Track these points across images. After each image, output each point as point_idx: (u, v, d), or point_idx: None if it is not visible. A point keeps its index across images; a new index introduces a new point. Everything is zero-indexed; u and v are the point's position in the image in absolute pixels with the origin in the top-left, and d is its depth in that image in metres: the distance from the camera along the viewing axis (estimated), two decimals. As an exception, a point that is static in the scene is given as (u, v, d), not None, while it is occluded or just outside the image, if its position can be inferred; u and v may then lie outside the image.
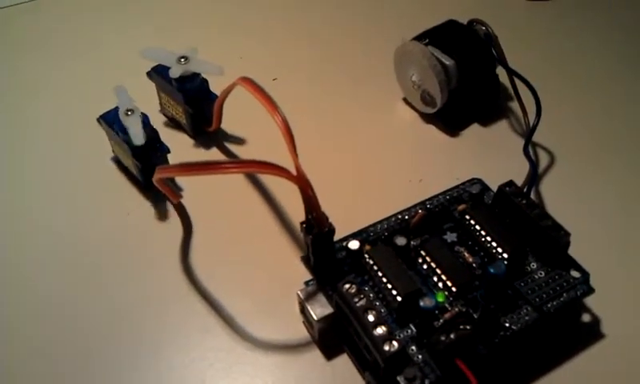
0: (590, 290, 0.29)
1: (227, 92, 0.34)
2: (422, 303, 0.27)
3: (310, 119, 0.40)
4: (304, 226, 0.29)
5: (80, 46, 0.48)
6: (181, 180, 0.37)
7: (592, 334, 0.30)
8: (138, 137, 0.34)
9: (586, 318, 0.30)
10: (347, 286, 0.27)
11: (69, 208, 0.36)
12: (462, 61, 0.38)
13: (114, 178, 0.37)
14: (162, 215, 0.35)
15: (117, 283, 0.32)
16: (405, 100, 0.41)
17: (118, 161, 0.38)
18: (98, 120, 0.36)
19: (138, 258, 0.33)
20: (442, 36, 0.39)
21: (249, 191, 0.36)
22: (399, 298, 0.28)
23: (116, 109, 0.35)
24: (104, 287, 0.32)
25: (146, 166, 0.35)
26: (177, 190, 0.36)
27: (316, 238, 0.29)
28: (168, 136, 0.38)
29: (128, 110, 0.34)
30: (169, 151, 0.36)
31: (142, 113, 0.35)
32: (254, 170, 0.30)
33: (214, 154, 0.39)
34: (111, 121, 0.35)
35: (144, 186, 0.36)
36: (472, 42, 0.39)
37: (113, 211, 0.36)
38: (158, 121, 0.40)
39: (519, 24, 0.48)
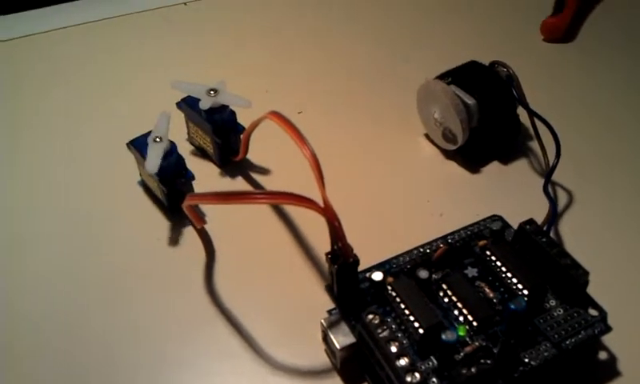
0: (608, 329, 0.29)
1: (256, 124, 0.35)
2: (443, 336, 0.27)
3: (333, 152, 0.41)
4: (329, 256, 0.30)
5: (114, 76, 0.49)
6: (204, 206, 0.38)
7: (609, 372, 0.30)
8: (153, 164, 0.35)
9: (602, 355, 0.30)
10: (371, 316, 0.28)
11: (94, 227, 0.37)
12: (484, 100, 0.38)
13: (141, 201, 0.38)
14: (187, 240, 0.36)
15: (141, 306, 0.33)
16: (426, 136, 0.42)
17: (144, 185, 0.39)
18: (127, 145, 0.37)
19: (162, 281, 0.34)
20: (465, 76, 0.40)
21: (271, 218, 0.37)
22: (421, 331, 0.28)
23: (146, 135, 0.36)
24: (127, 309, 0.33)
25: (171, 191, 0.36)
26: (201, 215, 0.36)
27: (341, 268, 0.29)
28: (194, 164, 0.39)
29: (157, 137, 0.35)
30: (194, 178, 0.37)
31: (170, 141, 0.36)
32: (283, 201, 0.31)
33: (240, 183, 0.39)
34: (140, 146, 0.36)
35: (169, 209, 0.37)
36: (493, 82, 0.40)
37: (139, 233, 0.37)
38: (185, 149, 0.41)
39: (539, 65, 0.49)
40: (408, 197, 0.39)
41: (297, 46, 0.52)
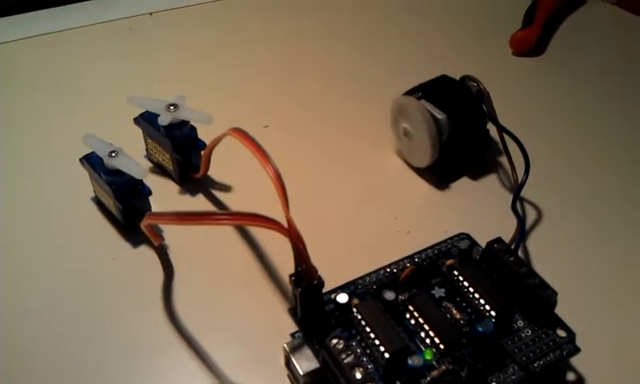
0: (576, 350, 0.29)
1: (217, 141, 0.34)
2: (410, 361, 0.27)
3: (300, 168, 0.40)
4: (293, 278, 0.29)
5: (71, 89, 0.48)
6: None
7: (578, 394, 0.29)
8: (138, 171, 0.34)
9: (571, 377, 0.30)
10: (335, 340, 0.27)
11: (46, 248, 0.36)
12: (454, 115, 0.38)
13: (95, 219, 0.37)
14: (144, 259, 0.35)
15: (94, 331, 0.32)
16: (398, 152, 0.42)
17: (98, 201, 0.38)
18: (80, 160, 0.36)
19: (117, 304, 0.33)
20: (435, 90, 0.39)
21: (233, 236, 0.36)
22: (387, 355, 0.27)
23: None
24: (79, 334, 0.32)
25: (127, 208, 0.35)
26: (159, 232, 0.35)
27: (305, 291, 0.28)
28: (153, 181, 0.38)
29: (112, 152, 0.34)
30: (150, 193, 0.36)
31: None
32: (246, 222, 0.30)
33: (201, 201, 0.38)
34: (93, 162, 0.35)
35: (124, 227, 0.36)
36: (464, 97, 0.39)
37: (92, 253, 0.35)
38: (144, 166, 0.40)
39: (509, 78, 0.49)
40: (376, 214, 0.38)
41: (264, 58, 0.51)
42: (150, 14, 0.57)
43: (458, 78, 0.40)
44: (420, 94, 0.39)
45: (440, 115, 0.38)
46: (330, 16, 0.56)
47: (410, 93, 0.39)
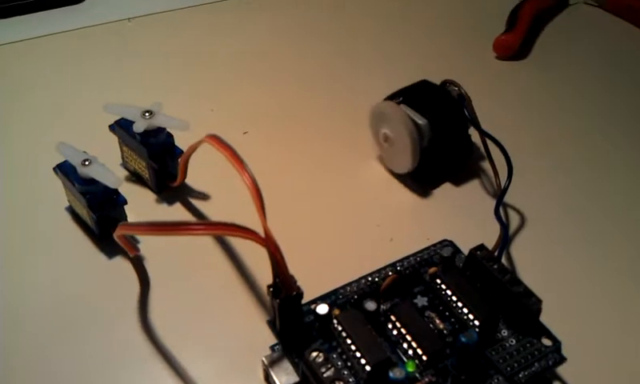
0: (562, 359, 0.28)
1: (193, 149, 0.33)
2: (391, 374, 0.26)
3: (279, 174, 0.40)
4: (271, 289, 0.28)
5: (46, 97, 0.47)
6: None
7: (564, 404, 0.29)
8: (112, 180, 0.33)
9: (557, 386, 0.29)
10: (315, 354, 0.26)
11: (19, 259, 0.35)
12: (435, 120, 0.37)
13: (69, 229, 0.36)
14: (119, 270, 0.34)
15: (68, 344, 0.31)
16: (379, 158, 0.41)
17: (72, 211, 0.37)
18: (54, 169, 0.35)
19: (92, 316, 0.32)
20: (415, 95, 0.39)
21: (210, 246, 0.35)
22: (368, 368, 0.27)
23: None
24: (52, 347, 0.31)
25: (101, 217, 0.34)
26: (134, 243, 0.34)
27: (283, 303, 0.28)
28: (129, 190, 0.37)
29: (85, 160, 0.33)
30: (126, 202, 0.35)
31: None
32: (222, 232, 0.29)
33: (178, 210, 0.37)
34: (67, 171, 0.34)
35: (99, 237, 0.35)
36: (445, 102, 0.39)
37: (66, 264, 0.34)
38: (119, 175, 0.38)
39: (492, 82, 0.48)
40: (357, 221, 0.37)
41: (245, 64, 0.50)
42: (129, 19, 0.56)
43: (439, 82, 0.40)
44: (400, 99, 0.38)
45: (421, 120, 0.37)
46: (309, 19, 0.56)
47: (390, 98, 0.39)
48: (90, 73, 0.49)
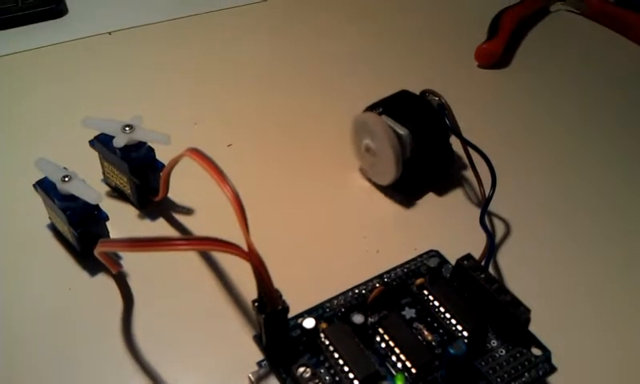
0: (552, 369, 0.28)
1: (175, 162, 0.33)
2: (380, 388, 0.25)
3: (263, 187, 0.39)
4: (256, 304, 0.28)
5: (26, 112, 0.46)
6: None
7: (554, 413, 0.29)
8: (92, 195, 0.32)
9: (547, 397, 0.29)
10: (302, 369, 0.26)
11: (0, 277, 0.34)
12: (416, 130, 0.37)
13: (50, 246, 0.36)
14: (102, 287, 0.33)
15: (52, 364, 0.30)
16: (361, 170, 0.41)
17: (54, 228, 0.36)
18: (34, 186, 0.35)
19: (75, 335, 0.31)
20: (396, 106, 0.38)
21: (195, 261, 0.35)
22: (356, 382, 0.26)
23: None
24: (36, 368, 0.30)
25: (83, 234, 0.33)
26: (116, 260, 0.34)
27: (269, 318, 0.27)
28: (111, 206, 0.37)
29: (65, 176, 0.33)
30: (107, 218, 0.34)
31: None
32: (204, 247, 0.29)
33: (161, 225, 0.37)
34: (47, 187, 0.34)
35: (80, 254, 0.35)
36: (425, 111, 0.38)
37: (48, 282, 0.34)
38: (100, 190, 0.38)
39: (475, 91, 0.48)
40: (343, 233, 0.37)
41: (227, 76, 0.50)
42: (109, 33, 0.55)
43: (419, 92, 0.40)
44: (381, 109, 0.38)
45: (402, 131, 0.37)
46: (290, 31, 0.56)
47: (370, 108, 0.38)
48: (71, 87, 0.48)
